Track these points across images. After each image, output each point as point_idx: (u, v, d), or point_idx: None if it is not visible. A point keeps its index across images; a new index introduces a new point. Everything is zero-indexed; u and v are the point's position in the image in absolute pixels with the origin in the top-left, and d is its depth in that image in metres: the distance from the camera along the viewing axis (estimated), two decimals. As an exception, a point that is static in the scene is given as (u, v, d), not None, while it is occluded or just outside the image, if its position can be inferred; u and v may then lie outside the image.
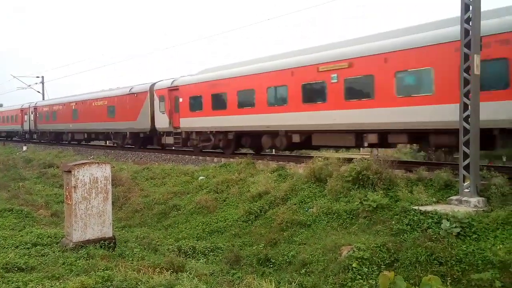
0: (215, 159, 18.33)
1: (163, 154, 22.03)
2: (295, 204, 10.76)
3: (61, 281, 6.10)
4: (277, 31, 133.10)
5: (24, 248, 7.95)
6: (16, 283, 5.96)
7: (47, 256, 7.52)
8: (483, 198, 8.86)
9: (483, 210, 8.44)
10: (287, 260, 8.40)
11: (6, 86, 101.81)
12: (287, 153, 20.53)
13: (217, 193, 13.31)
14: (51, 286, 5.85)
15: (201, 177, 15.24)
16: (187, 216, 12.31)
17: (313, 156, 14.41)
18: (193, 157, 19.91)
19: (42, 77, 50.18)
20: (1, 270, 6.43)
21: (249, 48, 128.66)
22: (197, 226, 11.49)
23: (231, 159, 16.81)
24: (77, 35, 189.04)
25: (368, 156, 14.45)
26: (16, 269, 6.66)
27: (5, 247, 7.93)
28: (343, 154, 13.22)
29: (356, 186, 10.33)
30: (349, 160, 12.87)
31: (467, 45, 9.09)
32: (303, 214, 10.21)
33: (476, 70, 9.00)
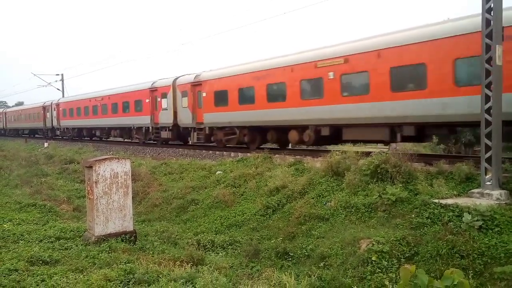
0: (232, 154, 18.40)
1: (180, 150, 22.20)
2: (313, 198, 10.74)
3: (84, 273, 6.24)
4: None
5: (48, 242, 8.14)
6: (41, 276, 6.12)
7: (70, 249, 7.69)
8: (505, 191, 8.70)
9: (505, 203, 8.30)
10: (306, 253, 8.41)
11: (27, 85, 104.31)
12: (303, 147, 19.71)
13: (235, 187, 13.37)
14: (75, 279, 5.99)
15: (218, 172, 15.34)
16: (205, 210, 12.41)
17: (330, 150, 14.33)
18: (210, 152, 20.00)
19: (62, 74, 51.30)
20: (27, 264, 6.60)
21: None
22: (215, 220, 11.57)
23: (248, 154, 16.85)
24: (94, 34, 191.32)
25: (386, 150, 14.30)
26: (40, 262, 6.83)
27: (29, 241, 8.13)
28: (361, 148, 13.05)
29: (374, 180, 10.23)
30: (367, 153, 12.77)
31: (489, 36, 8.90)
32: (321, 208, 10.19)
33: (498, 61, 8.80)
